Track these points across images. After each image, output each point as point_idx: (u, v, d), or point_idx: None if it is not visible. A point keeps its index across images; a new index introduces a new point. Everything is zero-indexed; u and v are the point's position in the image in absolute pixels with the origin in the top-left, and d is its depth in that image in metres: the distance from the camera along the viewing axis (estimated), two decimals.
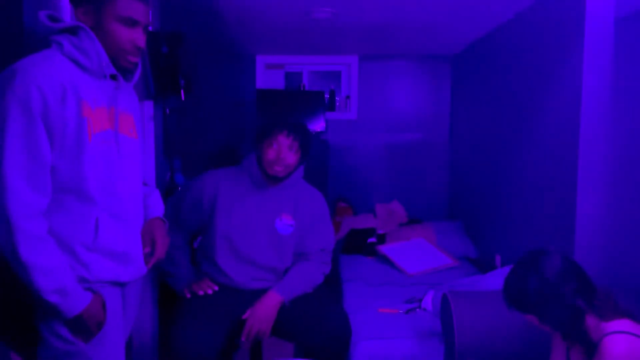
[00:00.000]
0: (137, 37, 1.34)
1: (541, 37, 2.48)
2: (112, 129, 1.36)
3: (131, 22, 1.32)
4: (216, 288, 2.10)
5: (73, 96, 1.25)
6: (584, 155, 2.08)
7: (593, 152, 2.08)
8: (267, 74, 4.44)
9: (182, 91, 2.43)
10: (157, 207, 1.61)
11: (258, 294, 2.09)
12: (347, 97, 4.40)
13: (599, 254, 2.08)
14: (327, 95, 4.31)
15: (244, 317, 2.02)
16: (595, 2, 2.04)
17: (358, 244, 3.59)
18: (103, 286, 1.36)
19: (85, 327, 1.30)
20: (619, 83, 2.01)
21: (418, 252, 3.35)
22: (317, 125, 3.98)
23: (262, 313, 2.01)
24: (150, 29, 1.45)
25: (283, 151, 2.04)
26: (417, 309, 2.49)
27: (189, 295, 2.08)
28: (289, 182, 2.16)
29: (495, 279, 2.27)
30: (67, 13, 1.57)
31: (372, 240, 3.57)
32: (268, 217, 2.13)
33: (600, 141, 2.07)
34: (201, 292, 2.07)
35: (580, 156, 2.08)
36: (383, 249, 3.38)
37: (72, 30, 1.30)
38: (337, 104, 4.40)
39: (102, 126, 1.32)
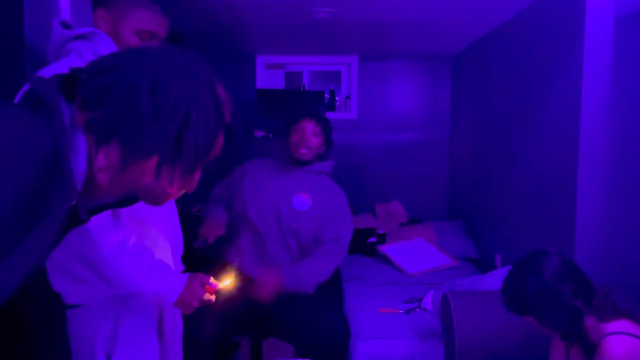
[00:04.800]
0: None
1: (541, 37, 2.48)
2: None
3: (149, 36, 1.30)
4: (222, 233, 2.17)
5: None
6: (584, 155, 2.08)
7: (593, 152, 2.08)
8: (267, 74, 4.43)
9: None
10: None
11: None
12: (347, 97, 4.40)
13: (599, 254, 2.08)
14: (327, 95, 4.31)
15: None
16: (595, 2, 2.04)
17: (358, 244, 3.58)
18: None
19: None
20: (619, 83, 2.01)
21: (418, 252, 3.35)
22: None
23: (266, 290, 2.07)
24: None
25: (307, 134, 2.24)
26: (417, 309, 2.49)
27: (196, 245, 2.12)
28: (314, 170, 2.29)
29: (495, 279, 2.27)
30: (67, 16, 1.57)
31: (372, 240, 3.57)
32: (286, 193, 2.22)
33: (600, 141, 2.07)
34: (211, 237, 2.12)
35: (580, 156, 2.08)
36: (383, 248, 3.38)
37: (87, 37, 1.27)
38: (337, 104, 4.40)
39: None
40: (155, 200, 0.81)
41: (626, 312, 1.35)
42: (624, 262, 1.98)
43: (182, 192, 0.81)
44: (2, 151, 0.62)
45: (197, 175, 0.80)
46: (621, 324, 1.30)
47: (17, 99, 0.75)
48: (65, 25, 1.30)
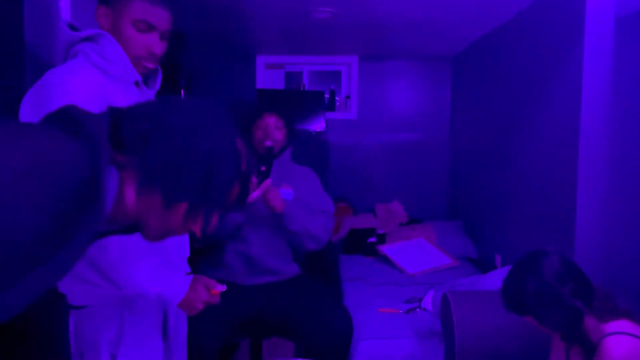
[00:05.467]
0: (153, 43, 1.30)
1: (541, 37, 2.48)
2: None
3: (146, 27, 1.28)
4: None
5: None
6: (584, 155, 2.08)
7: (593, 152, 2.08)
8: (267, 74, 4.44)
9: (182, 91, 2.44)
10: None
11: (260, 289, 2.11)
12: (347, 97, 4.40)
13: (599, 254, 2.08)
14: (327, 95, 4.31)
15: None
16: (595, 2, 2.04)
17: (358, 244, 3.59)
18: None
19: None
20: (619, 83, 2.01)
21: (418, 252, 3.35)
22: (317, 125, 3.97)
23: (271, 199, 2.06)
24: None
25: (270, 128, 2.20)
26: (417, 309, 2.49)
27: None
28: (281, 162, 2.24)
29: (495, 279, 2.27)
30: (67, 16, 1.57)
31: (372, 240, 3.57)
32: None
33: (600, 141, 2.07)
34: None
35: (580, 156, 2.08)
36: (383, 248, 3.38)
37: (93, 38, 1.27)
38: (337, 104, 4.40)
39: None
40: (161, 237, 0.85)
41: (626, 312, 1.35)
42: (624, 262, 1.98)
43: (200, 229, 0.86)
44: (45, 169, 0.65)
45: (216, 217, 0.85)
46: (621, 324, 1.30)
47: (49, 117, 0.78)
48: (73, 27, 1.31)
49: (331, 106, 4.34)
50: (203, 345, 1.89)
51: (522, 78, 2.73)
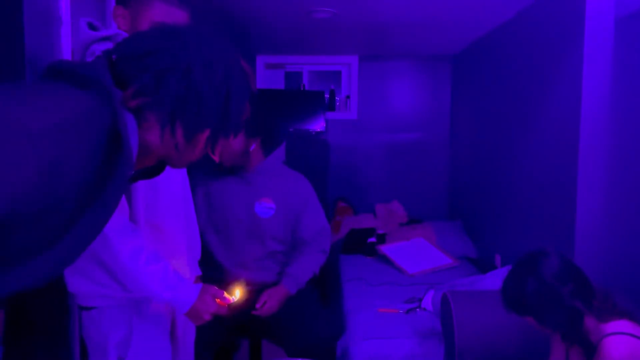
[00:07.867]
0: None
1: (541, 37, 2.48)
2: None
3: None
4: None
5: None
6: (584, 155, 2.08)
7: (593, 152, 2.08)
8: (267, 74, 4.44)
9: None
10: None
11: (258, 291, 2.11)
12: (347, 97, 4.40)
13: (599, 254, 2.08)
14: (327, 95, 4.31)
15: (256, 307, 2.06)
16: (595, 2, 2.04)
17: (358, 244, 3.59)
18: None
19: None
20: (619, 83, 2.01)
21: (418, 252, 3.35)
22: (317, 125, 3.98)
23: (271, 307, 2.07)
24: None
25: (230, 147, 2.00)
26: (417, 309, 2.49)
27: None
28: (267, 168, 2.15)
29: (495, 279, 2.27)
30: (67, 17, 1.57)
31: (372, 240, 3.57)
32: (247, 202, 2.13)
33: (600, 141, 2.07)
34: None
35: (580, 156, 2.08)
36: (383, 248, 3.38)
37: (112, 39, 1.27)
38: (337, 104, 4.40)
39: None
40: (184, 164, 0.87)
41: (626, 312, 1.35)
42: (624, 262, 1.97)
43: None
44: (77, 124, 0.66)
45: (232, 139, 0.87)
46: (621, 324, 1.30)
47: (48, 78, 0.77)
48: (92, 27, 1.31)
49: (331, 106, 4.34)
50: (204, 345, 1.89)
51: (522, 78, 2.73)
